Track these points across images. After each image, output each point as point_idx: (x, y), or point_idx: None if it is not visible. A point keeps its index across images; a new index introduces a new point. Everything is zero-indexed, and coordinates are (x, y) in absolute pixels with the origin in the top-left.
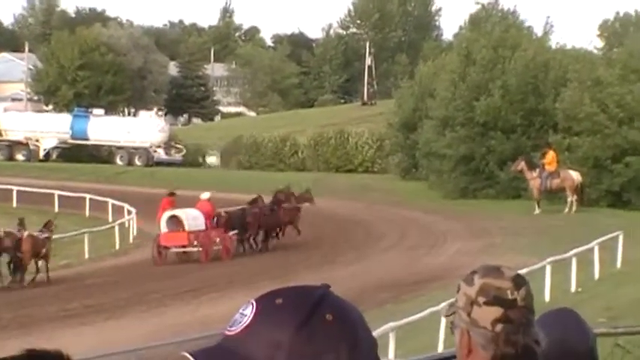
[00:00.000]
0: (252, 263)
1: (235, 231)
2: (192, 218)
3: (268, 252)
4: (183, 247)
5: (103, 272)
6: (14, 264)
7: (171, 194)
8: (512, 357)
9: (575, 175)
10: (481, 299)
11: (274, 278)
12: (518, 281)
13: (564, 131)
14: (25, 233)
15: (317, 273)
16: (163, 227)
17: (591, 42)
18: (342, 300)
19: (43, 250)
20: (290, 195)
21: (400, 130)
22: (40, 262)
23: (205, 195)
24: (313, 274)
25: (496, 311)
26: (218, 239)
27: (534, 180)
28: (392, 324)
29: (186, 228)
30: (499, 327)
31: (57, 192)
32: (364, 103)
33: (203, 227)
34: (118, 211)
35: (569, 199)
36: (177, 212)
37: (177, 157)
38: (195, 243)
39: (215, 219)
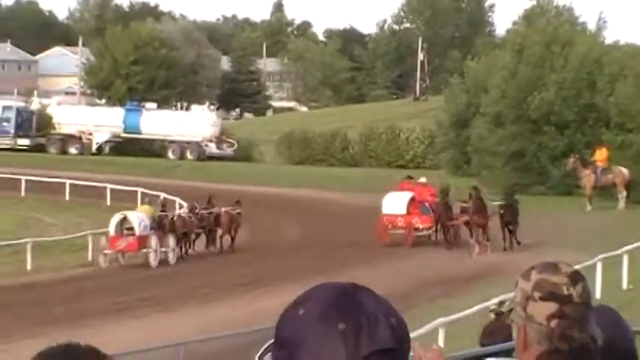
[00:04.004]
0: (305, 258)
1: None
2: (390, 202)
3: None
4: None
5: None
6: (212, 236)
7: (409, 177)
8: (565, 353)
9: (626, 172)
10: (537, 294)
11: (323, 272)
12: (575, 277)
13: (617, 127)
14: (223, 209)
15: (369, 269)
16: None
17: None
18: None
19: (235, 225)
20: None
21: (450, 127)
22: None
23: (422, 179)
24: (365, 270)
25: (551, 306)
26: (422, 226)
27: (588, 177)
28: (441, 319)
29: (383, 211)
30: (554, 322)
31: (109, 185)
32: (416, 99)
33: (401, 211)
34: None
35: (620, 195)
36: (389, 194)
37: (229, 151)
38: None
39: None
